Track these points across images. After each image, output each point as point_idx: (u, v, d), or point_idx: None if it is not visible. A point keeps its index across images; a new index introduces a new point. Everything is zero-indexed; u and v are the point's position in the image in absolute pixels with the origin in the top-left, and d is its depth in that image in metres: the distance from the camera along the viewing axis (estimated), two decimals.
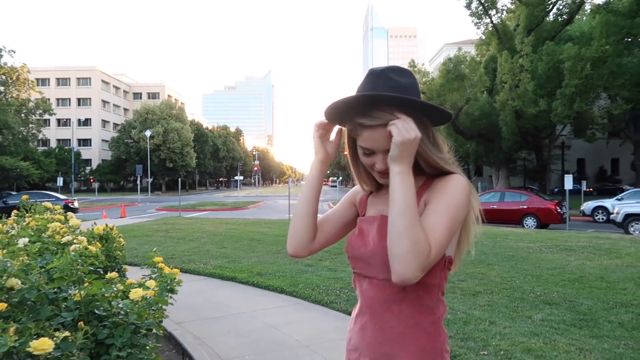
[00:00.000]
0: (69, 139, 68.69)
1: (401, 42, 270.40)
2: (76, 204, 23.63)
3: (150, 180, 55.58)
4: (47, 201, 4.69)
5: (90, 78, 75.79)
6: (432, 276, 1.19)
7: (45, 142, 67.88)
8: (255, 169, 71.86)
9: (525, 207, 16.83)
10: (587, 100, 26.78)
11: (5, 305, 1.45)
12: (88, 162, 71.07)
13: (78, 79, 75.81)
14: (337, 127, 1.34)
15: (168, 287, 2.31)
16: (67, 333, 1.65)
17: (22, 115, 55.14)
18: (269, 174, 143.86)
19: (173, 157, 65.01)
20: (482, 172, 48.27)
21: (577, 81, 23.47)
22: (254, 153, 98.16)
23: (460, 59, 29.86)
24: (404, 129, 1.11)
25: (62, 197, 24.45)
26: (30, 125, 56.67)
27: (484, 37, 30.86)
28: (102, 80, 77.30)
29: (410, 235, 1.05)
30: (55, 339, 1.50)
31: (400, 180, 1.11)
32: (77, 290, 2.02)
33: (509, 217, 16.91)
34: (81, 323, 1.72)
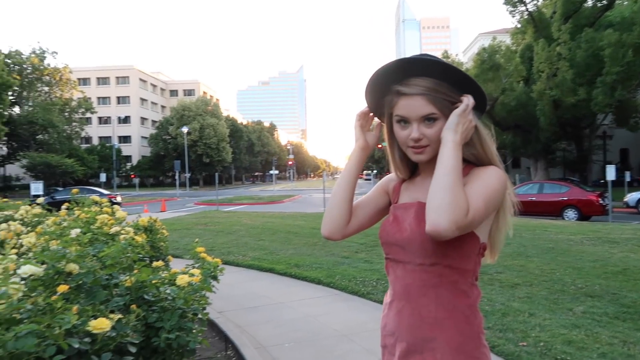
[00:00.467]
0: (110, 136, 70.87)
1: (434, 34, 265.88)
2: (119, 199, 24.39)
3: (188, 175, 56.81)
4: (93, 196, 4.91)
5: (128, 77, 77.91)
6: (467, 261, 1.23)
7: (88, 139, 70.29)
8: (290, 163, 72.47)
9: (565, 198, 16.37)
10: (630, 88, 25.75)
11: (67, 287, 1.56)
12: (128, 158, 73.20)
13: (117, 77, 78.04)
14: (376, 120, 1.39)
15: (211, 274, 2.41)
16: (120, 315, 1.76)
17: (66, 114, 57.27)
18: (303, 167, 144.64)
19: (209, 153, 66.20)
20: (519, 163, 47.14)
21: (619, 68, 22.59)
22: (288, 147, 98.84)
23: (494, 48, 29.15)
24: (468, 108, 1.19)
25: (105, 192, 25.31)
26: (74, 124, 58.79)
27: (519, 26, 30.01)
28: (140, 79, 79.32)
29: (453, 191, 1.09)
30: (111, 319, 1.60)
31: (452, 147, 1.16)
32: (127, 277, 2.13)
33: (548, 209, 16.49)
34: (133, 306, 1.83)
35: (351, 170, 1.39)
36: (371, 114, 1.39)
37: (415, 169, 1.41)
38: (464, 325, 1.23)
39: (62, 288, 1.54)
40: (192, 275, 2.30)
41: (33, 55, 52.85)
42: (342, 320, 4.67)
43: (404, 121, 1.25)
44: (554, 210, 16.43)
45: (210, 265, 2.48)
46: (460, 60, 32.99)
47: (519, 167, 47.03)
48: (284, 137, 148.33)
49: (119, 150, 63.13)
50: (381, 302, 4.68)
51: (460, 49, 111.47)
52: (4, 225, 5.00)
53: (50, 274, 1.68)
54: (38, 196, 9.51)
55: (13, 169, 57.23)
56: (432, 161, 1.23)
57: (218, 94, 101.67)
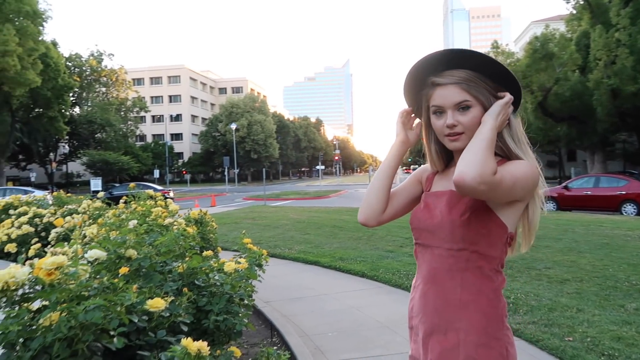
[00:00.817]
0: (163, 134, 73.48)
1: (483, 23, 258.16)
2: (171, 194, 25.33)
3: (236, 171, 58.15)
4: (148, 191, 5.22)
5: (179, 76, 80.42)
6: (494, 249, 1.28)
7: (142, 137, 73.13)
8: (336, 158, 72.59)
9: (623, 192, 15.64)
10: None
11: (127, 269, 1.74)
12: (180, 155, 75.63)
13: (169, 77, 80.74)
14: (417, 120, 1.47)
15: (257, 263, 2.55)
16: (173, 297, 1.92)
17: (122, 113, 59.88)
18: (349, 163, 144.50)
19: (257, 149, 67.38)
20: (575, 156, 45.28)
21: None
22: (335, 142, 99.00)
23: (548, 36, 28.06)
24: (510, 102, 1.29)
25: (159, 187, 26.34)
26: (129, 122, 61.37)
27: (574, 12, 28.77)
28: (190, 78, 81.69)
29: (484, 153, 1.15)
30: (165, 300, 1.77)
31: (490, 126, 1.22)
32: (180, 264, 2.31)
33: (604, 203, 15.82)
34: (185, 289, 2.00)
35: (390, 162, 1.46)
36: (412, 114, 1.47)
37: (449, 163, 1.46)
38: (487, 308, 1.28)
39: (123, 270, 1.72)
40: (238, 263, 2.45)
41: (91, 57, 55.53)
42: (384, 312, 4.75)
43: (440, 111, 1.31)
44: (611, 205, 15.74)
45: (256, 254, 2.63)
46: (510, 50, 31.92)
47: (575, 160, 45.18)
48: (331, 132, 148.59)
49: (171, 148, 65.36)
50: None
51: (512, 38, 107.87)
52: (68, 217, 5.41)
53: (112, 258, 1.87)
54: (97, 191, 10.15)
55: (74, 166, 60.47)
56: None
57: (265, 91, 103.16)
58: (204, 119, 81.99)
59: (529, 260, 7.10)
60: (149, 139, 74.44)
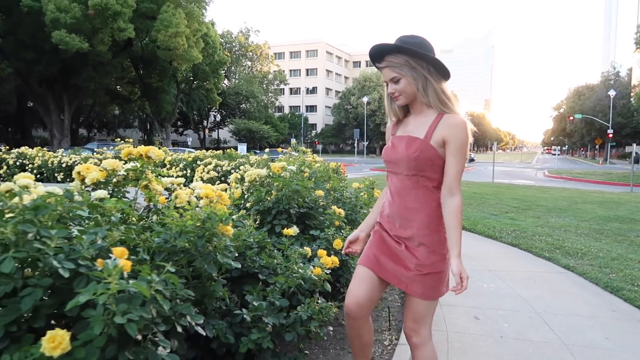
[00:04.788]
0: (299, 106, 77.93)
1: None
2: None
3: (365, 143, 60.07)
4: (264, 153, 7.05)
5: (317, 50, 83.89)
6: (436, 174, 1.89)
7: (280, 108, 78.32)
8: None
9: None
10: None
11: (307, 173, 3.48)
12: (314, 126, 79.67)
13: (307, 51, 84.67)
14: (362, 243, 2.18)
15: (371, 187, 4.19)
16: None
17: (264, 85, 64.88)
18: (483, 140, 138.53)
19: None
20: None
21: None
22: (468, 118, 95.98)
23: None
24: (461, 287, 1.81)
25: (293, 153, 29.16)
26: (270, 94, 66.29)
27: None
28: (327, 52, 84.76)
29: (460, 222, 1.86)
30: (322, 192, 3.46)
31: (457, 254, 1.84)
32: (329, 183, 4.01)
33: None
34: (331, 192, 3.69)
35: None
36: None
37: (405, 115, 2.01)
38: (431, 211, 1.90)
39: (305, 174, 3.46)
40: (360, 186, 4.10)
41: (240, 34, 60.81)
42: (471, 250, 6.08)
43: (386, 83, 1.92)
44: None
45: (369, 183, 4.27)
46: None
47: None
48: (466, 107, 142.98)
49: (306, 119, 69.32)
50: (508, 243, 6.11)
51: None
52: (242, 167, 7.49)
53: (299, 169, 3.63)
54: (243, 156, 11.80)
55: (222, 133, 67.35)
56: (415, 105, 1.91)
57: None
58: (337, 92, 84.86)
59: (625, 229, 7.78)
60: (286, 110, 79.38)
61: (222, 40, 56.95)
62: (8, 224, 1.19)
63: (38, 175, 11.54)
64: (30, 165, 11.67)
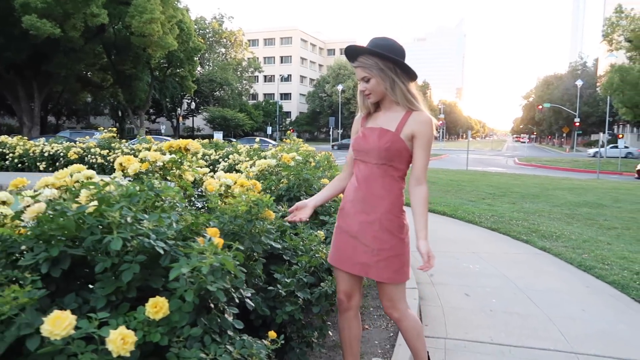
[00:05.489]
0: (273, 93, 77.62)
1: None
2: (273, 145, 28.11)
3: (340, 131, 60.41)
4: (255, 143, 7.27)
5: (291, 37, 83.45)
6: (402, 164, 2.07)
7: (254, 96, 77.79)
8: (440, 123, 71.95)
9: None
10: None
11: (313, 163, 3.72)
12: (288, 114, 79.48)
13: (281, 38, 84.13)
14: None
15: None
16: None
17: (238, 73, 64.27)
18: (455, 128, 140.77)
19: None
20: None
21: None
22: (440, 107, 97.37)
23: None
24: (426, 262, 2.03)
25: (273, 142, 29.29)
26: (244, 82, 65.76)
27: None
28: (301, 39, 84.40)
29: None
30: None
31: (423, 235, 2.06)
32: (327, 171, 4.26)
33: None
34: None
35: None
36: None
37: (375, 110, 2.15)
38: (395, 199, 2.08)
39: (312, 165, 3.70)
40: None
41: (214, 20, 60.02)
42: (454, 234, 6.47)
43: (359, 81, 2.07)
44: None
45: None
46: (636, 14, 29.86)
47: None
48: (438, 95, 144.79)
49: (280, 107, 69.13)
50: (488, 228, 6.54)
51: None
52: (231, 156, 7.69)
53: (304, 159, 3.86)
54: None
55: (195, 121, 66.61)
56: (385, 102, 2.06)
57: None
58: (311, 80, 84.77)
59: (594, 214, 8.30)
60: (260, 98, 78.93)
61: (196, 27, 56.10)
62: (114, 209, 1.41)
63: (19, 165, 11.43)
64: (10, 155, 11.54)
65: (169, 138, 30.20)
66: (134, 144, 11.95)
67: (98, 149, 10.88)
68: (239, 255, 1.63)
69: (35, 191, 1.71)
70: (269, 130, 45.94)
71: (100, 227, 1.51)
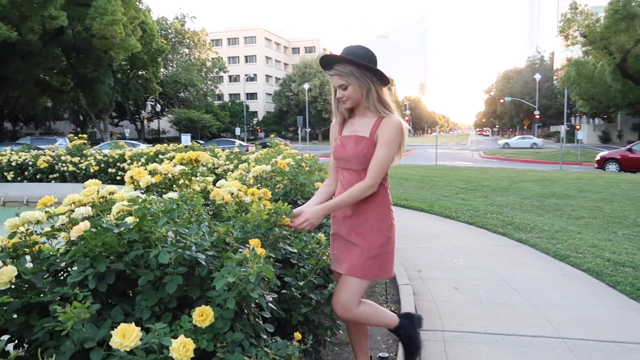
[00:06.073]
0: (239, 93, 77.06)
1: None
2: (253, 149, 28.04)
3: (308, 130, 60.56)
4: (234, 146, 7.31)
5: (255, 36, 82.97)
6: (384, 179, 2.22)
7: (220, 96, 76.97)
8: (406, 119, 72.99)
9: None
10: None
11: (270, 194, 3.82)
12: (254, 114, 79.01)
13: (245, 38, 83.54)
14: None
15: None
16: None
17: (203, 73, 63.52)
18: (420, 123, 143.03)
19: (328, 108, 68.71)
20: None
21: None
22: (405, 103, 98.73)
23: None
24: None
25: (243, 143, 29.16)
26: (209, 82, 65.02)
27: None
28: (265, 38, 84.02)
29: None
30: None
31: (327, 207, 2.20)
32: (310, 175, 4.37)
33: None
34: None
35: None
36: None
37: (350, 116, 2.26)
38: (380, 200, 2.21)
39: (267, 193, 3.80)
40: None
41: (176, 20, 59.09)
42: (434, 230, 6.69)
43: (335, 89, 2.15)
44: None
45: None
46: (589, 10, 31.13)
47: None
48: (403, 91, 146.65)
49: (247, 107, 68.72)
50: (467, 222, 6.81)
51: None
52: (211, 160, 7.66)
53: (297, 164, 3.95)
54: (187, 146, 11.65)
55: (161, 124, 65.48)
56: (359, 108, 2.17)
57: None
58: (277, 79, 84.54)
59: (562, 204, 8.69)
60: (226, 98, 78.16)
61: (158, 28, 55.11)
62: (159, 225, 1.48)
63: None
64: None
65: (138, 143, 29.69)
66: (103, 150, 11.74)
67: (69, 157, 10.64)
68: (269, 262, 1.72)
69: (68, 209, 1.76)
70: (237, 131, 45.65)
71: (139, 241, 1.59)
